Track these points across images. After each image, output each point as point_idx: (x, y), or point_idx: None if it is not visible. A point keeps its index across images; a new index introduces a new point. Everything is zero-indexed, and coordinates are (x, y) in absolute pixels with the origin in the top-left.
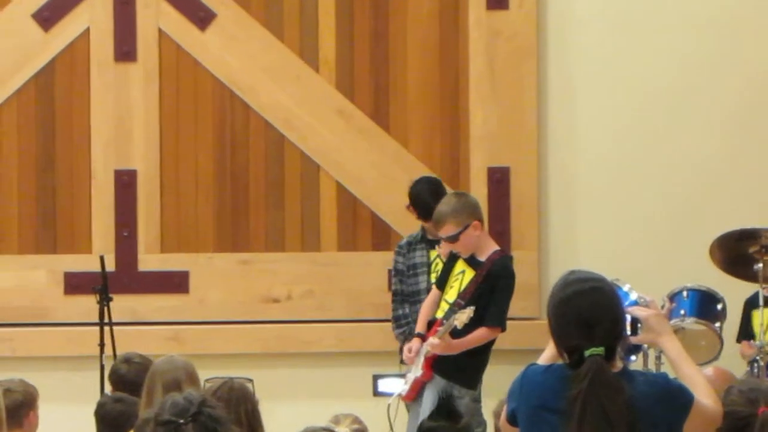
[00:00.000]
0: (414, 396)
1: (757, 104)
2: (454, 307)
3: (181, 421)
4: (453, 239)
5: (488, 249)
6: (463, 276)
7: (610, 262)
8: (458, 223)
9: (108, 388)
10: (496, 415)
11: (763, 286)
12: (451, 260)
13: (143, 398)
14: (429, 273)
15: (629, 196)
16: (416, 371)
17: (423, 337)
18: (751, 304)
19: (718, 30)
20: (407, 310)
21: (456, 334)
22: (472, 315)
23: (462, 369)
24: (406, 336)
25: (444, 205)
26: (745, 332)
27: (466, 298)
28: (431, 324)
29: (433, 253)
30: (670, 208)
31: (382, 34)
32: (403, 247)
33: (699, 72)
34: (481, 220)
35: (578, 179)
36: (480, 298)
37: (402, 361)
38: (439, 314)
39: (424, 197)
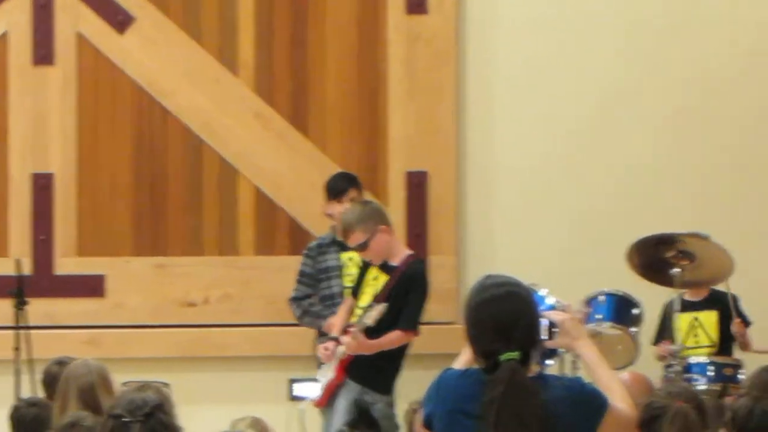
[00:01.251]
0: (326, 401)
1: (685, 111)
2: (368, 310)
3: (129, 418)
4: (363, 247)
5: (401, 253)
6: (376, 281)
7: (528, 267)
8: (366, 230)
9: (25, 391)
10: (406, 417)
11: (680, 291)
12: (364, 268)
13: (57, 403)
14: (341, 276)
15: (547, 202)
16: (329, 374)
17: (339, 342)
18: (672, 307)
19: (645, 37)
20: (312, 301)
21: (371, 336)
22: (384, 311)
23: (376, 374)
24: (316, 313)
25: (350, 215)
26: (663, 335)
27: (380, 302)
28: (346, 331)
29: (344, 256)
30: (589, 213)
31: (301, 37)
32: (313, 249)
33: (623, 79)
34: (389, 225)
35: (496, 184)
36: (394, 302)
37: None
38: (354, 319)
39: (335, 178)
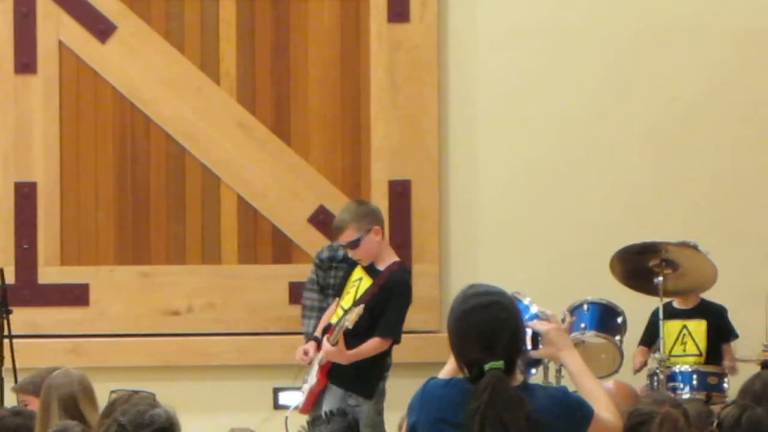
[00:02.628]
0: (310, 407)
1: (669, 124)
2: (346, 313)
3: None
4: (354, 245)
5: (388, 259)
6: (360, 283)
7: (511, 276)
8: (359, 228)
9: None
10: (399, 428)
11: (663, 299)
12: (350, 267)
13: (39, 414)
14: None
15: (530, 210)
16: (311, 380)
17: (319, 342)
18: (657, 315)
19: (628, 49)
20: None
21: (348, 338)
22: (360, 312)
23: (357, 377)
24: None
25: (344, 212)
26: (648, 339)
27: (359, 305)
28: (326, 330)
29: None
30: (572, 221)
31: (283, 46)
32: (324, 262)
33: (606, 90)
34: (382, 227)
35: (479, 193)
36: (375, 308)
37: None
38: (334, 319)
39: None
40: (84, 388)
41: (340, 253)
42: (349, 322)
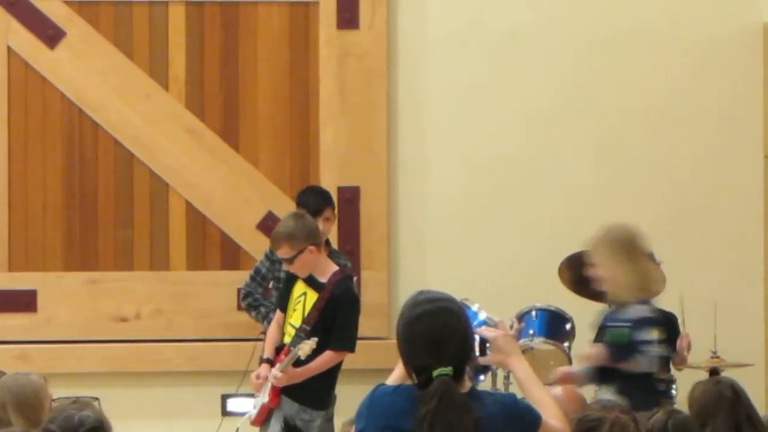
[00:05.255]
0: (262, 421)
1: (621, 133)
2: (300, 333)
3: None
4: (289, 261)
5: (328, 269)
6: (305, 298)
7: (459, 283)
8: (293, 246)
9: None
10: None
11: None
12: (291, 280)
13: None
14: None
15: (479, 217)
16: (263, 397)
17: (271, 363)
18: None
19: (581, 56)
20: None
21: (302, 360)
22: (314, 346)
23: (310, 390)
24: (263, 314)
25: (281, 227)
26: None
27: (311, 323)
28: (279, 349)
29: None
30: (520, 228)
31: (232, 52)
32: (274, 253)
33: (556, 98)
34: (318, 245)
35: (428, 199)
36: (324, 323)
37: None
38: (287, 339)
39: (308, 194)
40: (16, 395)
41: None
42: (302, 353)
